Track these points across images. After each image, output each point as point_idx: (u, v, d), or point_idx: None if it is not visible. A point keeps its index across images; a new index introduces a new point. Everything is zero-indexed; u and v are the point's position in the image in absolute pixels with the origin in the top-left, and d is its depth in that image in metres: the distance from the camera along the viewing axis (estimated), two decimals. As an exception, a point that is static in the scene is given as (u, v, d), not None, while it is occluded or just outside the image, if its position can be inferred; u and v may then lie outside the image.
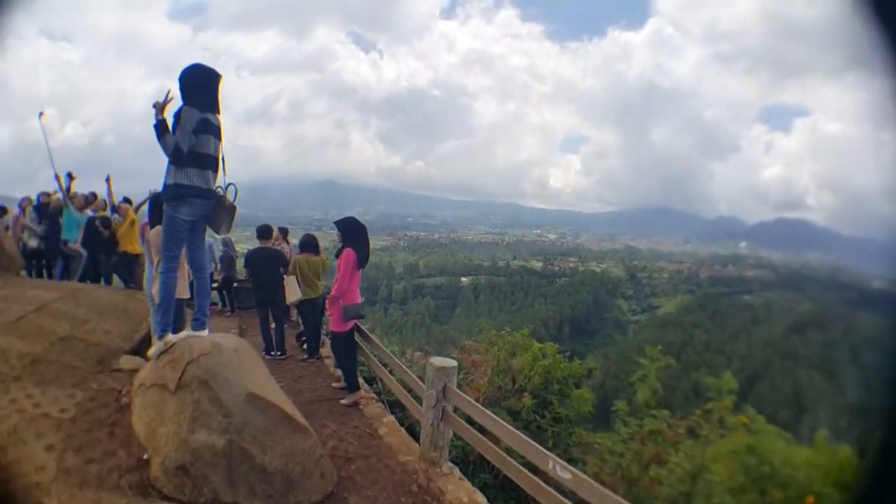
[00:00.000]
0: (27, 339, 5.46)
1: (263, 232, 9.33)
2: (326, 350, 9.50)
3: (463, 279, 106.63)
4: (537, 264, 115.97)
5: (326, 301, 7.87)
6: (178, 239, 4.61)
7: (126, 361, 5.71)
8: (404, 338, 79.94)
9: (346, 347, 7.31)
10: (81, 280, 11.05)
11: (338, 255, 7.37)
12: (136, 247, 10.72)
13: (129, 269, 11.34)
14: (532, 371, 7.42)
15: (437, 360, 5.17)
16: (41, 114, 11.44)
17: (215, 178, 4.77)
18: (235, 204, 4.84)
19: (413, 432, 6.37)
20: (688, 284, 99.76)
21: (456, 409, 5.05)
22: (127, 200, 11.62)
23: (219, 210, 4.79)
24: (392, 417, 6.78)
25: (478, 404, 4.70)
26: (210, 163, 4.63)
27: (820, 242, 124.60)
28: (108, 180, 12.06)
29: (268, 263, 9.38)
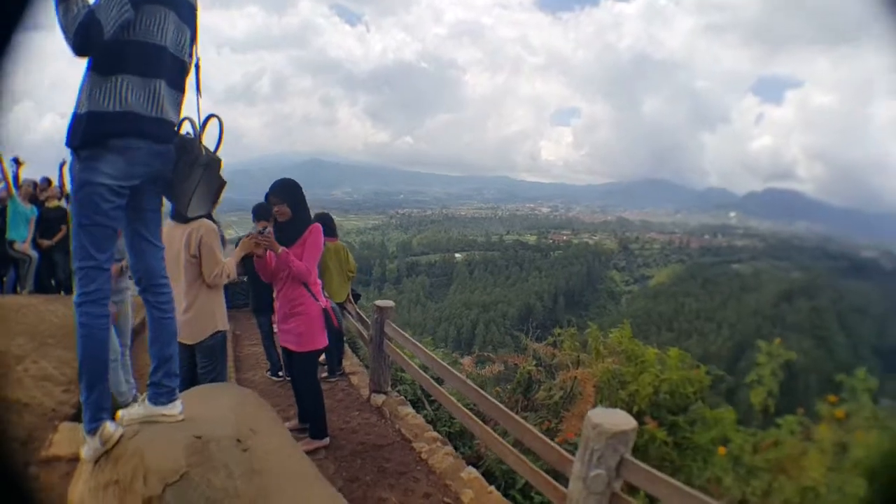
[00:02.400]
0: None
1: (260, 212, 6.36)
2: (352, 364, 7.70)
3: (457, 255, 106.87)
4: (531, 238, 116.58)
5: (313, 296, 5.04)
6: (102, 232, 2.33)
7: (63, 440, 3.48)
8: (401, 317, 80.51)
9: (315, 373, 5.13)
10: (36, 290, 9.01)
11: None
12: None
13: None
14: (658, 389, 5.04)
15: (603, 417, 2.95)
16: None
17: (181, 101, 2.58)
18: (219, 157, 2.74)
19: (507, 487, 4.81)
20: (679, 254, 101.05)
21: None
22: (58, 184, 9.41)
23: (187, 167, 2.62)
24: (474, 471, 4.59)
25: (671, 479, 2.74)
26: (166, 66, 2.40)
27: (809, 212, 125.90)
28: (62, 166, 9.20)
29: None
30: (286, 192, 4.57)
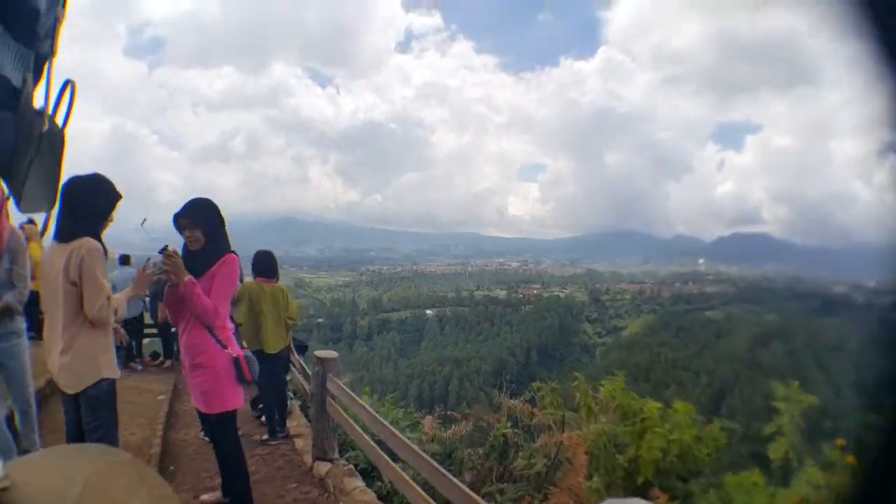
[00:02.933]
0: None
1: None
2: (298, 425, 6.77)
3: (427, 311, 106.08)
4: (501, 293, 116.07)
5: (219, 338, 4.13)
6: None
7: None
8: (372, 374, 78.87)
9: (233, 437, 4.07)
10: None
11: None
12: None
13: (32, 314, 7.85)
14: (666, 452, 4.10)
15: None
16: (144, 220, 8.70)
17: (27, 56, 1.64)
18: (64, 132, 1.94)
19: None
20: (650, 304, 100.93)
21: None
22: (31, 221, 8.06)
23: (23, 143, 1.68)
24: None
25: None
26: None
27: (777, 254, 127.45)
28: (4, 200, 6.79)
29: None
30: (199, 212, 3.66)
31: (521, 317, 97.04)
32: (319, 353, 5.31)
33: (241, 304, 5.77)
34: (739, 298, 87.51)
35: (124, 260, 11.17)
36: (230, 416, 3.83)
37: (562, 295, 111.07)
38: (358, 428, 4.53)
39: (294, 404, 7.49)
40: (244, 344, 5.52)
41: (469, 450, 5.77)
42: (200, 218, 3.60)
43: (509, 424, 5.65)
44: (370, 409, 4.21)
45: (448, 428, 6.46)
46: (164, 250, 3.57)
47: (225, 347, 3.59)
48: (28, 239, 6.56)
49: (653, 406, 4.26)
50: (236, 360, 3.61)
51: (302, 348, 8.58)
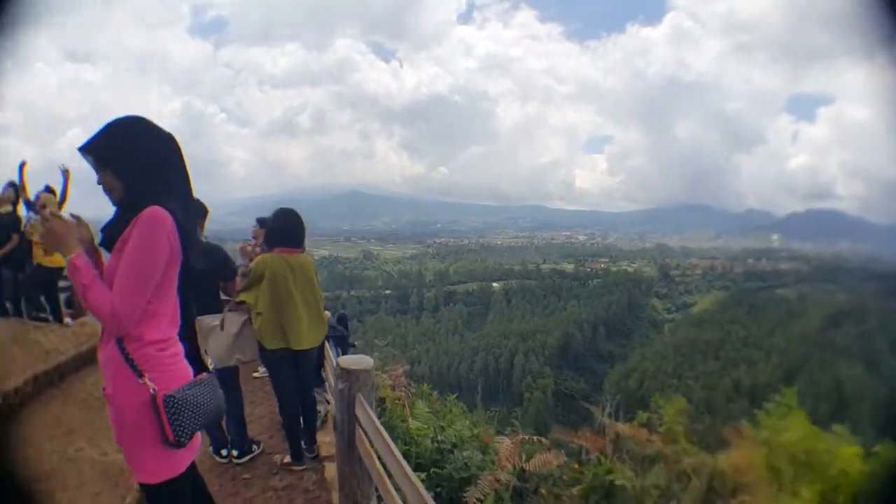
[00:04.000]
0: None
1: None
2: (331, 439, 4.81)
3: (494, 284, 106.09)
4: (568, 266, 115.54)
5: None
6: None
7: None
8: (439, 345, 79.63)
9: None
10: None
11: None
12: (57, 258, 7.41)
13: (47, 289, 8.11)
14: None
15: None
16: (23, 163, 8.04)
17: None
18: None
19: None
20: (722, 280, 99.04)
21: None
22: (49, 190, 7.58)
23: None
24: None
25: None
26: None
27: (852, 232, 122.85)
28: (21, 167, 7.78)
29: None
30: (109, 142, 2.03)
31: (588, 291, 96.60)
32: (347, 360, 3.48)
33: (260, 286, 4.14)
34: (813, 277, 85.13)
35: None
36: (158, 493, 2.09)
37: (630, 269, 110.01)
38: (389, 486, 2.58)
39: (330, 409, 5.34)
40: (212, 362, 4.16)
41: (556, 489, 4.34)
42: (112, 153, 2.06)
43: (614, 453, 4.15)
44: (393, 449, 2.45)
45: (530, 455, 4.88)
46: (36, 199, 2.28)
47: (140, 376, 1.95)
48: (45, 206, 7.01)
49: (850, 453, 3.03)
50: (154, 403, 1.95)
51: (343, 342, 6.71)
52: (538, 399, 64.21)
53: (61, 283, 8.50)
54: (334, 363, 4.64)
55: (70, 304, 9.18)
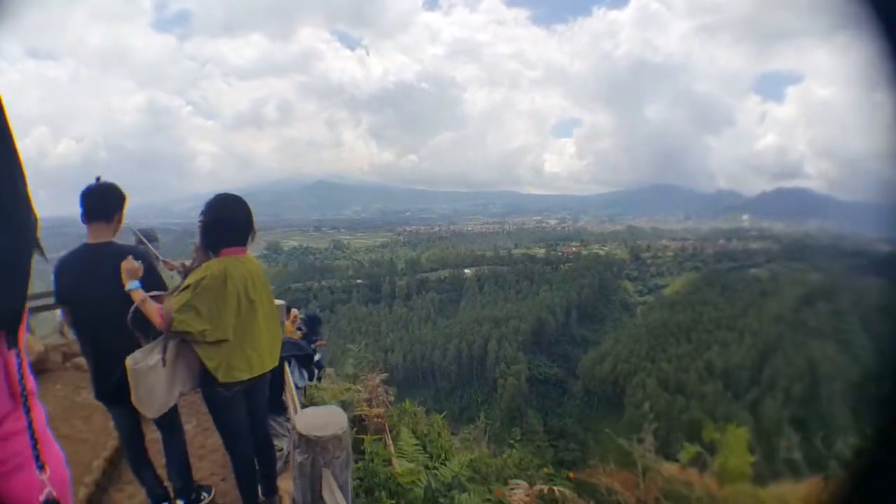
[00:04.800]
0: None
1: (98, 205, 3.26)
2: (291, 491, 3.23)
3: (466, 271, 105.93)
4: (540, 251, 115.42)
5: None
6: None
7: None
8: (412, 333, 79.47)
9: None
10: None
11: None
12: None
13: None
14: None
15: None
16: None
17: None
18: None
19: None
20: (693, 261, 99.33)
21: None
22: None
23: None
24: None
25: None
26: None
27: (821, 210, 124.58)
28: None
29: (103, 282, 3.04)
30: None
31: (560, 275, 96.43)
32: (304, 421, 2.65)
33: (217, 304, 2.93)
34: (784, 256, 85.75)
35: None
36: None
37: (601, 252, 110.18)
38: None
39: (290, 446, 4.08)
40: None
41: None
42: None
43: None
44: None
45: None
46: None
47: None
48: None
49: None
50: None
51: (313, 322, 6.61)
52: (512, 385, 64.29)
53: None
54: (295, 387, 4.16)
55: None
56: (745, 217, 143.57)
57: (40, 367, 6.69)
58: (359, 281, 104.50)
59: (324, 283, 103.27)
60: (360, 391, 6.16)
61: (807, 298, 59.80)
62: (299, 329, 6.40)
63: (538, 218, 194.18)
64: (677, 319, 68.70)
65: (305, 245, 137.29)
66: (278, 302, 4.40)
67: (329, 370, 7.43)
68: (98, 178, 3.50)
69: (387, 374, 7.26)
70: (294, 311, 6.63)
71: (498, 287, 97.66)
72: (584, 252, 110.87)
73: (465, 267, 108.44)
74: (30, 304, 2.12)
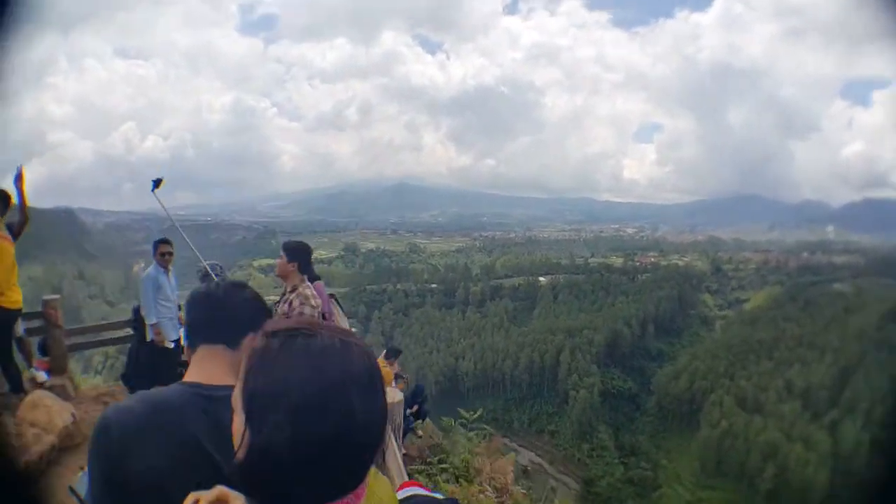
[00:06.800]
0: None
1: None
2: None
3: (541, 279, 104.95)
4: (617, 260, 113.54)
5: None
6: None
7: None
8: (484, 340, 79.64)
9: None
10: None
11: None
12: (13, 296, 5.73)
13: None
14: None
15: None
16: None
17: None
18: None
19: None
20: (776, 275, 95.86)
21: None
22: (5, 195, 5.74)
23: None
24: None
25: None
26: None
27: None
28: (18, 178, 5.66)
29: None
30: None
31: (637, 286, 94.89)
32: None
33: None
34: (870, 271, 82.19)
35: None
36: None
37: (681, 263, 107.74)
38: None
39: None
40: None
41: None
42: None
43: None
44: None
45: None
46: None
47: None
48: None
49: None
50: None
51: (418, 394, 6.91)
52: (584, 398, 63.75)
53: (22, 327, 6.55)
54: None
55: (44, 349, 7.20)
56: (831, 228, 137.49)
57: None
58: (433, 285, 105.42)
59: (399, 286, 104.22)
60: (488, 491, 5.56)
61: (892, 315, 57.52)
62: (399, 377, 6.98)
63: (616, 226, 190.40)
64: (758, 336, 66.81)
65: (382, 248, 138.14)
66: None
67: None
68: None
69: (516, 453, 6.70)
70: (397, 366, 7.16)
71: (573, 296, 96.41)
72: (663, 263, 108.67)
73: (540, 275, 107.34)
74: None
